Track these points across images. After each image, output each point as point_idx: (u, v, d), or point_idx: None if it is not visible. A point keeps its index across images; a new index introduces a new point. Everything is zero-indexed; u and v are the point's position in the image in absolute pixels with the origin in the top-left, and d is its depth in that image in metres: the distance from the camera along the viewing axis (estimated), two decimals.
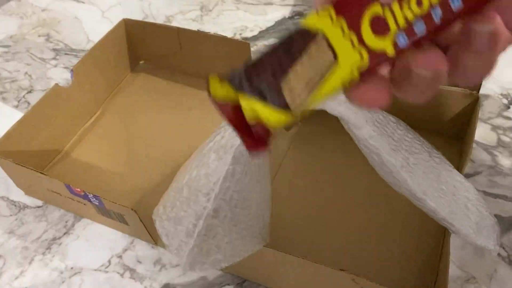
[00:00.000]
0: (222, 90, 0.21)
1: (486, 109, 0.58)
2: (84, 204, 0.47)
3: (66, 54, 0.72)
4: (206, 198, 0.29)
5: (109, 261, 0.47)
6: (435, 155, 0.41)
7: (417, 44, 0.18)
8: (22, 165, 0.46)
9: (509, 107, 0.58)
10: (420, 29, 0.18)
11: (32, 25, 0.78)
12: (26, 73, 0.69)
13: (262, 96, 0.20)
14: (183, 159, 0.54)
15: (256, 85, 0.20)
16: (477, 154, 0.53)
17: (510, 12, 0.20)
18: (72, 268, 0.47)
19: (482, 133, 0.55)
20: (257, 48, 0.69)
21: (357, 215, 0.48)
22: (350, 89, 0.20)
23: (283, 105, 0.20)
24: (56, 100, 0.55)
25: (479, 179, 0.51)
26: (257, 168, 0.34)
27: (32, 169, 0.46)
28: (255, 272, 0.43)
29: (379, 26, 0.18)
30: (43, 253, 0.49)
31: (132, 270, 0.47)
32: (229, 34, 0.72)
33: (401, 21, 0.18)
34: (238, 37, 0.71)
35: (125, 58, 0.65)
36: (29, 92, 0.66)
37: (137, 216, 0.43)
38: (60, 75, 0.68)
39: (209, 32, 0.60)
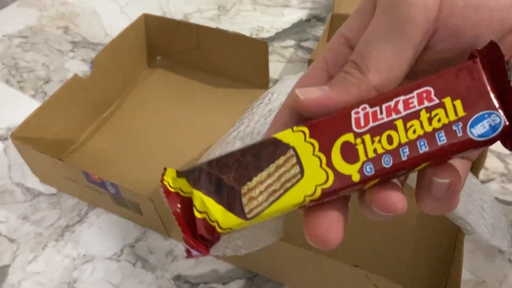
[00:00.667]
0: (176, 183, 0.21)
1: None
2: (100, 193, 0.47)
3: (84, 47, 0.72)
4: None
5: (122, 250, 0.48)
6: None
7: (381, 176, 0.19)
8: (41, 151, 0.47)
9: None
10: (387, 163, 0.19)
11: (51, 18, 0.79)
12: (44, 63, 0.70)
13: (219, 198, 0.20)
14: (197, 153, 0.55)
15: (215, 185, 0.20)
16: (491, 162, 0.53)
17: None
18: (84, 255, 0.48)
19: None
20: (273, 49, 0.70)
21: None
22: (306, 217, 0.20)
23: (239, 212, 0.20)
24: (75, 90, 0.55)
25: (492, 185, 0.51)
26: None
27: (51, 156, 0.46)
28: (267, 266, 0.44)
29: (349, 153, 0.19)
30: (56, 240, 0.49)
31: (144, 260, 0.47)
32: (246, 34, 0.72)
33: (371, 153, 0.19)
34: (254, 37, 0.72)
35: (143, 53, 0.65)
36: (46, 82, 0.67)
37: (153, 206, 0.43)
38: (78, 67, 0.69)
39: (227, 30, 0.60)
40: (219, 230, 0.20)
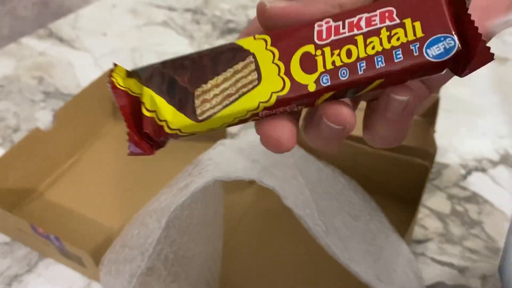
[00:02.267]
0: (125, 82, 0.20)
1: (444, 178, 0.61)
2: (47, 244, 0.49)
3: (55, 97, 0.76)
4: (141, 257, 0.31)
5: None
6: (377, 218, 0.44)
7: (336, 88, 0.20)
8: None
9: (466, 178, 0.60)
10: (344, 76, 0.19)
11: (28, 68, 0.82)
12: (15, 112, 0.73)
13: (170, 98, 0.20)
14: None
15: (167, 85, 0.20)
16: (431, 221, 0.55)
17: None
18: None
19: (437, 201, 0.58)
20: None
21: (317, 273, 0.49)
22: (260, 122, 0.20)
23: (191, 113, 0.20)
24: (36, 142, 0.58)
25: (430, 245, 0.53)
26: (203, 224, 0.37)
27: (0, 207, 0.48)
28: None
29: (308, 64, 0.20)
30: None
31: None
32: None
33: (329, 65, 0.20)
34: None
35: (108, 105, 0.68)
36: (15, 131, 0.70)
37: (92, 261, 0.45)
38: (47, 117, 0.72)
39: None
40: (167, 130, 0.20)
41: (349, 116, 0.20)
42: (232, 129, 0.68)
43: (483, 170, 0.61)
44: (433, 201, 0.58)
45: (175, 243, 0.32)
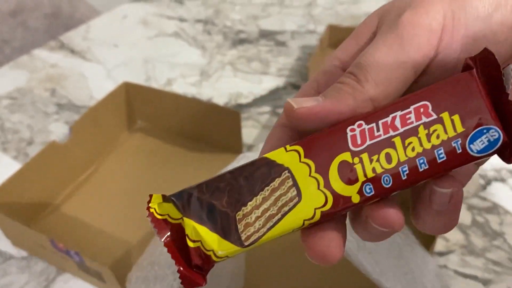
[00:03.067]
0: (163, 209, 0.20)
1: (464, 189, 0.60)
2: (66, 259, 0.49)
3: (68, 109, 0.75)
4: (173, 276, 0.31)
5: None
6: (402, 230, 0.43)
7: (381, 196, 0.19)
8: (10, 218, 0.48)
9: (485, 188, 0.60)
10: (387, 183, 0.19)
11: (40, 80, 0.82)
12: (28, 125, 0.73)
13: (212, 225, 0.19)
14: None
15: (207, 211, 0.19)
16: (452, 233, 0.55)
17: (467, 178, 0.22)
18: None
19: None
20: (250, 114, 0.73)
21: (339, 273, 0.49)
22: (305, 233, 0.20)
23: (236, 240, 0.19)
24: (52, 155, 0.57)
25: (452, 257, 0.52)
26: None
27: (18, 222, 0.48)
28: None
29: (347, 174, 0.19)
30: None
31: None
32: (225, 99, 0.76)
33: (369, 173, 0.19)
34: (233, 103, 0.75)
35: (123, 118, 0.68)
36: (29, 144, 0.69)
37: (113, 276, 0.44)
38: (61, 130, 0.72)
39: (203, 100, 0.63)
40: (215, 259, 0.19)
41: (397, 218, 0.19)
42: (247, 140, 0.67)
43: (503, 180, 0.60)
44: None
45: None
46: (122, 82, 0.66)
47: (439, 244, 0.53)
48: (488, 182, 0.60)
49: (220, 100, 0.75)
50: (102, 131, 0.65)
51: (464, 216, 0.56)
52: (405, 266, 0.38)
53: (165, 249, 0.27)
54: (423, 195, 0.20)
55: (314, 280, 0.49)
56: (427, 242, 0.47)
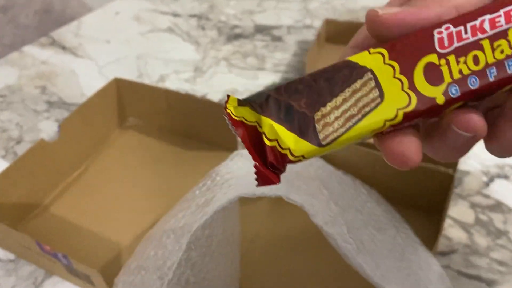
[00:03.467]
0: (238, 111, 0.20)
1: (465, 186, 0.58)
2: (54, 262, 0.47)
3: (59, 107, 0.73)
4: (160, 282, 0.29)
5: None
6: (403, 230, 0.41)
7: (466, 98, 0.19)
8: None
9: (488, 185, 0.58)
10: (474, 84, 0.19)
11: (30, 77, 0.80)
12: (17, 123, 0.71)
13: (290, 125, 0.19)
14: (160, 218, 0.55)
15: (284, 112, 0.19)
16: (454, 232, 0.53)
17: None
18: None
19: (460, 210, 0.55)
20: None
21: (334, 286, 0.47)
22: (382, 138, 0.20)
23: (313, 139, 0.19)
24: (40, 154, 0.55)
25: (455, 257, 0.50)
26: (222, 242, 0.35)
27: (4, 225, 0.46)
28: None
29: (433, 75, 0.19)
30: None
31: None
32: (219, 96, 0.74)
33: (456, 74, 0.19)
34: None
35: (114, 115, 0.66)
36: (18, 142, 0.67)
37: (102, 279, 0.42)
38: (51, 128, 0.69)
39: (195, 95, 0.61)
40: (291, 158, 0.19)
41: (481, 123, 0.19)
42: None
43: (506, 177, 0.59)
44: (456, 210, 0.55)
45: (196, 266, 0.30)
46: (113, 78, 0.64)
47: (442, 244, 0.52)
48: (491, 179, 0.59)
49: (214, 96, 0.73)
50: (92, 129, 0.63)
51: (467, 215, 0.55)
52: (407, 268, 0.36)
53: (152, 253, 0.25)
54: (505, 108, 0.20)
55: (311, 285, 0.47)
56: (429, 242, 0.45)
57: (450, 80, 0.19)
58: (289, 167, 0.36)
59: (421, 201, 0.53)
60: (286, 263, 0.49)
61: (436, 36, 0.19)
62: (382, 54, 0.19)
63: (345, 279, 0.47)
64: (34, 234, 0.52)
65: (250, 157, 0.20)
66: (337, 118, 0.19)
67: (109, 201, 0.57)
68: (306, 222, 0.53)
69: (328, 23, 0.79)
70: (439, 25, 0.19)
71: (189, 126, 0.64)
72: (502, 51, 0.18)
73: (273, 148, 0.19)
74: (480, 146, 0.23)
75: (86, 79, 0.79)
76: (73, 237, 0.53)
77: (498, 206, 0.55)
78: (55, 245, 0.44)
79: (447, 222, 0.54)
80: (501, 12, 0.18)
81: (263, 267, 0.49)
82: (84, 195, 0.58)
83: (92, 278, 0.44)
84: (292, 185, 0.31)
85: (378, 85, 0.19)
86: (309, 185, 0.34)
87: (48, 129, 0.69)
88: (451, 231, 0.53)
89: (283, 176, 0.31)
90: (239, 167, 0.35)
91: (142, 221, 0.54)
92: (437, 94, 0.19)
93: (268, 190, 0.29)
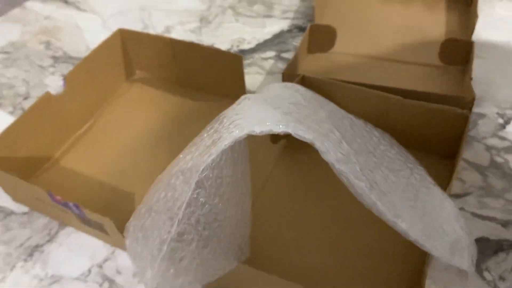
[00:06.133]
0: None
1: (481, 128, 0.57)
2: (67, 212, 0.47)
3: (64, 62, 0.72)
4: (170, 222, 0.29)
5: (89, 270, 0.47)
6: (416, 171, 0.40)
7: None
8: (6, 172, 0.46)
9: (504, 127, 0.56)
10: None
11: (34, 33, 0.79)
12: (24, 79, 0.70)
13: None
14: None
15: None
16: (469, 174, 0.52)
17: None
18: (52, 276, 0.47)
19: (475, 153, 0.54)
20: (254, 60, 0.69)
21: (344, 232, 0.47)
22: None
23: None
24: (47, 107, 0.55)
25: (469, 199, 0.50)
26: (232, 185, 0.34)
27: (15, 177, 0.46)
28: None
29: None
30: (25, 260, 0.49)
31: (111, 281, 0.46)
32: (226, 46, 0.72)
33: None
34: (235, 49, 0.71)
35: (120, 68, 0.65)
36: (25, 98, 0.67)
37: (114, 226, 0.42)
38: (57, 83, 0.68)
39: (202, 44, 0.60)
40: None
41: None
42: (251, 87, 0.64)
43: None
44: (470, 153, 0.54)
45: (206, 206, 0.29)
46: (117, 29, 0.63)
47: (456, 187, 0.51)
48: (507, 121, 0.57)
49: (221, 46, 0.72)
50: (99, 81, 0.62)
51: (482, 157, 0.53)
52: (422, 208, 0.36)
53: (163, 195, 0.25)
54: None
55: (323, 229, 0.47)
56: (443, 185, 0.44)
57: None
58: (299, 108, 0.35)
59: (435, 145, 0.51)
60: (296, 209, 0.49)
61: None
62: None
63: (356, 223, 0.47)
64: (46, 186, 0.52)
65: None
66: None
67: (119, 153, 0.57)
68: (316, 168, 0.52)
69: None
70: None
71: (197, 76, 0.63)
72: None
73: None
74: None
75: (90, 32, 0.78)
76: (85, 189, 0.53)
77: None
78: (68, 196, 0.44)
79: (462, 165, 0.53)
80: None
81: (274, 214, 0.49)
82: (94, 147, 0.58)
83: (105, 227, 0.45)
84: (302, 123, 0.30)
85: None
86: (321, 126, 0.33)
87: (54, 84, 0.68)
88: (466, 174, 0.52)
89: (292, 116, 0.30)
90: (247, 108, 0.34)
91: (151, 170, 0.53)
92: None
93: (276, 127, 0.28)
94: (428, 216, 0.34)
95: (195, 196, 0.29)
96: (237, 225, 0.36)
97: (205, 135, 0.33)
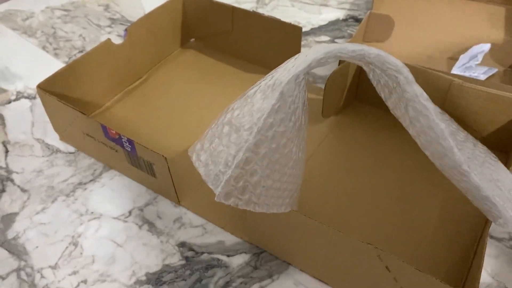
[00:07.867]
0: None
1: None
2: (116, 151, 0.47)
3: (121, 24, 0.73)
4: (248, 131, 0.28)
5: (130, 212, 0.47)
6: (480, 146, 0.39)
7: None
8: (64, 103, 0.47)
9: None
10: None
11: None
12: (80, 35, 0.71)
13: None
14: None
15: None
16: None
17: None
18: (92, 212, 0.47)
19: None
20: (307, 42, 0.69)
21: (392, 207, 0.46)
22: None
23: None
24: (106, 55, 0.56)
25: None
26: (299, 121, 0.34)
27: (73, 108, 0.46)
28: (275, 242, 0.42)
29: None
30: (67, 195, 0.49)
31: (151, 224, 0.46)
32: None
33: None
34: None
35: (177, 32, 0.66)
36: (81, 51, 0.68)
37: (166, 165, 0.42)
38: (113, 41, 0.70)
39: (262, 14, 0.60)
40: None
41: None
42: None
43: None
44: None
45: (283, 123, 0.29)
46: None
47: None
48: None
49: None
50: (156, 40, 0.62)
51: None
52: (489, 174, 0.35)
53: (237, 112, 0.25)
54: None
55: (366, 205, 0.46)
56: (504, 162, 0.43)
57: None
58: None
59: (490, 136, 0.50)
60: (341, 184, 0.48)
61: None
62: None
63: (406, 199, 0.46)
64: None
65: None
66: None
67: (166, 112, 0.57)
68: (364, 146, 0.52)
69: None
70: None
71: (252, 48, 0.63)
72: None
73: None
74: None
75: (148, 0, 0.79)
76: (136, 134, 0.53)
77: None
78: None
79: None
80: None
81: (319, 186, 0.48)
82: (143, 102, 0.58)
83: (155, 167, 0.44)
84: (371, 50, 0.30)
85: None
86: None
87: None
88: None
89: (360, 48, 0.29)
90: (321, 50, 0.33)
91: (196, 130, 0.54)
92: None
93: (368, 49, 0.28)
94: (495, 182, 0.33)
95: (277, 108, 0.28)
96: (295, 168, 0.35)
97: (267, 78, 0.32)
